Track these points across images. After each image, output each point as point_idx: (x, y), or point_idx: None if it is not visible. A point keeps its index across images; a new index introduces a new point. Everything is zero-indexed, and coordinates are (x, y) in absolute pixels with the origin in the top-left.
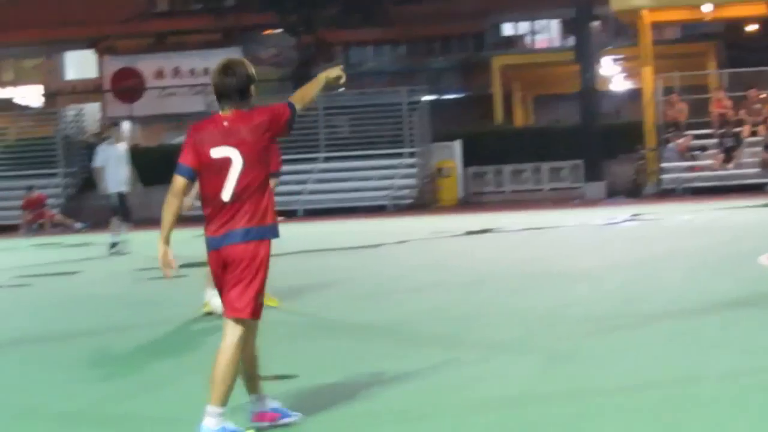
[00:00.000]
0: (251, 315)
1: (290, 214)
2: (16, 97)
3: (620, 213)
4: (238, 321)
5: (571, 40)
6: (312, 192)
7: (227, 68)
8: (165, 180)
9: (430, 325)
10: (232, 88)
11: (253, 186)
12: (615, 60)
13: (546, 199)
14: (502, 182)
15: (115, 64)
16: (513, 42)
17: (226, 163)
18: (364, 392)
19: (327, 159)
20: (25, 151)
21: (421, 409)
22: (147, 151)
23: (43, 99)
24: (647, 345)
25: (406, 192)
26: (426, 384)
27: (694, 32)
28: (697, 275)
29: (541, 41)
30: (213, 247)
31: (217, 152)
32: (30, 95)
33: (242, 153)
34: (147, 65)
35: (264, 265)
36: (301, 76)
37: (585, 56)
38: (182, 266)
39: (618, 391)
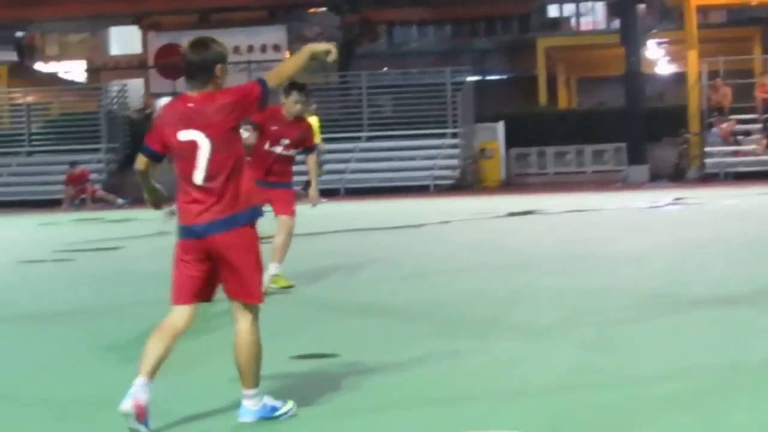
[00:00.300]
0: (261, 298)
1: (332, 193)
2: (60, 72)
3: (663, 197)
4: (247, 306)
5: (617, 23)
6: (354, 171)
7: (195, 46)
8: None
9: (471, 307)
10: (197, 66)
11: (227, 168)
12: (660, 43)
13: (589, 181)
14: (545, 164)
15: (160, 40)
16: (558, 23)
17: (192, 146)
18: (401, 373)
19: (370, 138)
20: (68, 125)
21: (457, 393)
22: None
23: (86, 74)
24: (689, 331)
25: (448, 172)
26: (463, 367)
27: (740, 16)
28: (740, 260)
29: (586, 23)
30: (194, 235)
31: (183, 135)
32: (74, 70)
33: (209, 136)
34: None
35: (256, 248)
36: (345, 55)
37: (630, 39)
38: None
39: (658, 378)
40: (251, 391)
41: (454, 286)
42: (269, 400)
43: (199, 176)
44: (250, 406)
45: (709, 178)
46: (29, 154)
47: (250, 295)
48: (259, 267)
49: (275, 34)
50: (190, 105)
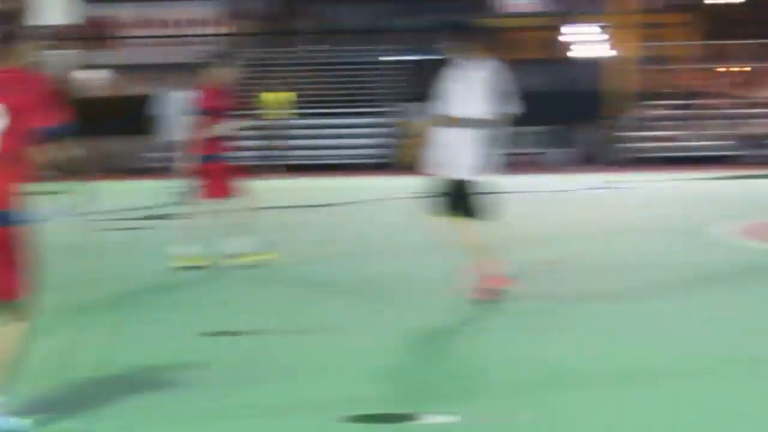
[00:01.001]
0: (14, 295)
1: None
2: None
3: (588, 180)
4: (9, 304)
5: (547, 5)
6: (288, 148)
7: None
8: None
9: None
10: None
11: (9, 156)
12: (590, 26)
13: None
14: None
15: (93, 10)
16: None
17: None
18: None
19: (302, 116)
20: None
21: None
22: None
23: None
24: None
25: (378, 151)
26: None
27: (677, 2)
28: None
29: (513, 5)
30: None
31: None
32: None
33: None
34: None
35: (20, 243)
36: (276, 32)
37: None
38: (148, 218)
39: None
40: None
41: (389, 265)
42: (14, 418)
43: None
44: None
45: (636, 162)
46: None
47: (4, 292)
48: (19, 266)
49: (203, 9)
50: None
